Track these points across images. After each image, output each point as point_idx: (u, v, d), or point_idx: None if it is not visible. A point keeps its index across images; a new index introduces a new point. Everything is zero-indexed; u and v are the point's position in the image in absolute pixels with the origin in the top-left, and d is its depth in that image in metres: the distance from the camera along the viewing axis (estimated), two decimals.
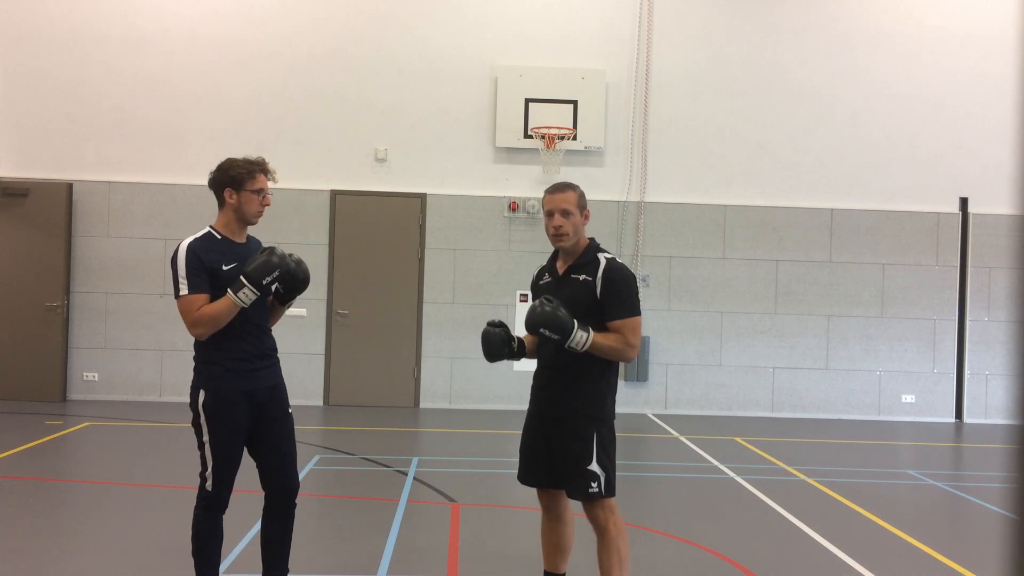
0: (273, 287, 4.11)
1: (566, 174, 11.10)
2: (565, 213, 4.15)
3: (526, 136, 11.02)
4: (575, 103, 11.07)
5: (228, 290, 3.96)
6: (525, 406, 4.48)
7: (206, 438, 4.06)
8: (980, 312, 11.45)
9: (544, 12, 11.30)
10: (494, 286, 11.15)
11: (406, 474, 7.38)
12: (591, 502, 4.10)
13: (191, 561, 4.76)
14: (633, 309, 4.18)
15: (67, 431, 9.18)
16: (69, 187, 10.84)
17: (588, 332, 4.04)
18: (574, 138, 10.95)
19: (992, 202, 11.36)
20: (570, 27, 11.30)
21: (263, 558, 4.32)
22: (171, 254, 4.11)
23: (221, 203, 4.16)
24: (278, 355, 4.34)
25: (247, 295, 3.95)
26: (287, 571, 4.34)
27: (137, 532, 5.77)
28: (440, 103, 11.19)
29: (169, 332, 10.95)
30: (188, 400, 4.16)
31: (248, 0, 11.12)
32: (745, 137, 11.41)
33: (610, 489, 4.13)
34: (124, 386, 10.94)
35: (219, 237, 4.12)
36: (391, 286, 11.16)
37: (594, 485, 4.07)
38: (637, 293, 4.27)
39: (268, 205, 4.21)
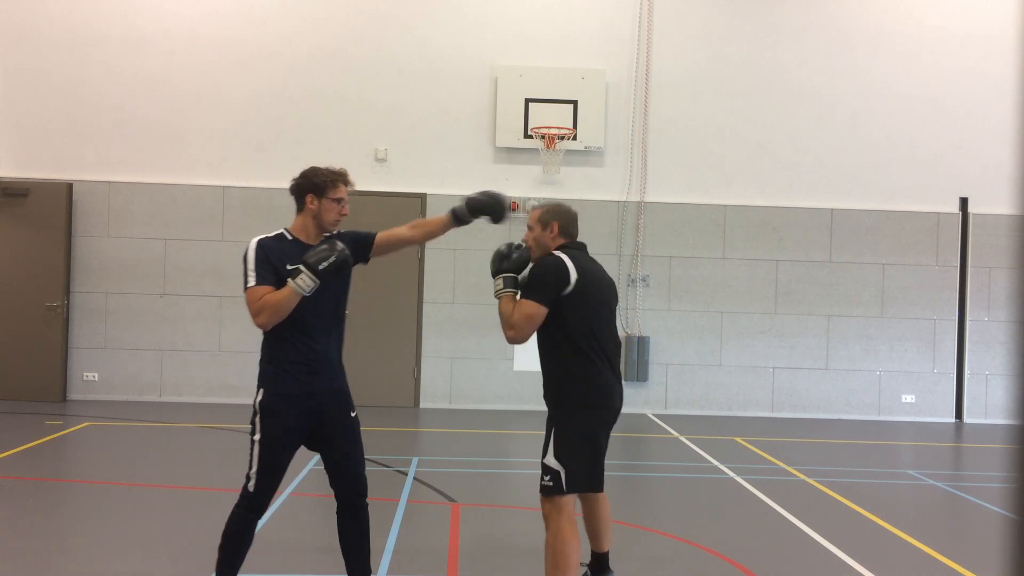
0: (328, 273, 4.15)
1: (566, 174, 11.12)
2: (528, 227, 4.56)
3: (526, 136, 11.02)
4: (575, 103, 11.07)
5: (288, 279, 4.05)
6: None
7: (257, 436, 4.11)
8: (980, 312, 11.45)
9: (544, 12, 11.30)
10: (493, 286, 11.14)
11: (406, 474, 7.38)
12: (543, 496, 4.25)
13: (191, 560, 4.77)
14: (530, 292, 4.29)
15: (67, 431, 9.17)
16: (69, 187, 10.84)
17: (506, 287, 4.36)
18: (574, 138, 10.95)
19: (992, 202, 11.36)
20: (570, 27, 11.30)
21: (345, 561, 4.37)
22: (241, 252, 4.18)
23: (300, 207, 4.26)
24: (342, 360, 4.34)
25: (305, 281, 4.01)
26: (370, 570, 4.38)
27: (137, 532, 5.77)
28: (440, 103, 11.19)
29: (169, 332, 10.95)
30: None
31: (248, 0, 11.12)
32: (745, 137, 11.41)
33: (571, 485, 4.20)
34: (124, 386, 10.94)
35: (290, 239, 4.21)
36: (391, 286, 11.16)
37: (546, 478, 4.21)
38: (546, 281, 4.28)
39: (345, 215, 4.30)
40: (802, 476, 7.97)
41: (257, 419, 4.12)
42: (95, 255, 10.94)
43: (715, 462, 8.46)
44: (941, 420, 11.40)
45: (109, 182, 10.98)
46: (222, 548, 4.17)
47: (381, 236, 4.42)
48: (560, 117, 10.97)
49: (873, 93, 11.46)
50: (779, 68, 11.43)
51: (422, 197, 11.14)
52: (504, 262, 4.43)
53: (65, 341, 10.83)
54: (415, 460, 8.05)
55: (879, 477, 8.19)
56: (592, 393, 4.28)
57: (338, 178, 4.26)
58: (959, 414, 11.47)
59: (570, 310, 4.26)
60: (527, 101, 11.04)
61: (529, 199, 11.15)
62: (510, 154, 11.20)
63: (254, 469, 4.11)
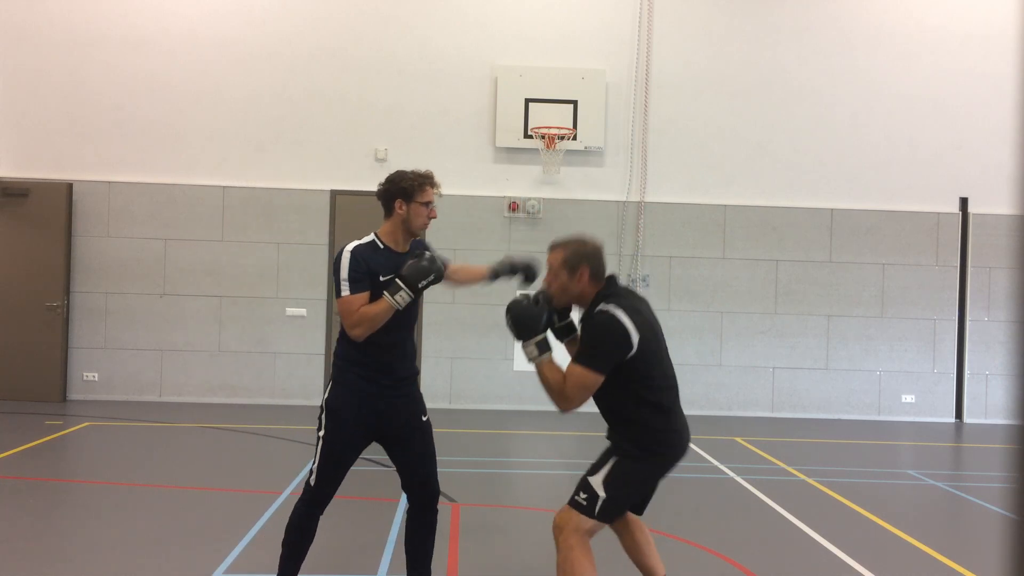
0: (425, 289, 4.21)
1: (566, 174, 11.12)
2: (552, 272, 4.06)
3: (526, 136, 11.02)
4: (575, 103, 11.07)
5: (384, 292, 4.07)
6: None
7: (321, 432, 4.17)
8: (980, 312, 11.45)
9: (544, 12, 11.30)
10: (494, 286, 11.12)
11: None
12: (569, 507, 3.92)
13: (189, 561, 4.76)
14: (585, 359, 3.84)
15: (67, 431, 9.17)
16: (69, 187, 10.84)
17: (542, 353, 3.92)
18: (574, 138, 10.95)
19: (992, 202, 11.36)
20: (570, 27, 11.30)
21: (407, 561, 4.40)
22: (335, 257, 4.21)
23: (389, 213, 4.25)
24: (415, 363, 4.40)
25: (403, 297, 4.07)
26: (429, 572, 4.41)
27: (137, 532, 5.77)
28: (440, 103, 11.19)
29: (169, 332, 10.95)
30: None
31: (248, 0, 11.12)
32: (745, 137, 11.40)
33: (602, 514, 3.87)
34: (124, 386, 10.94)
35: (381, 247, 4.22)
36: None
37: (582, 495, 3.89)
38: (605, 348, 3.84)
39: (434, 218, 4.32)
40: (802, 476, 7.97)
41: (323, 416, 4.18)
42: (95, 255, 10.94)
43: (715, 462, 8.46)
44: (941, 420, 11.40)
45: (109, 182, 10.98)
46: (285, 543, 4.22)
47: (451, 267, 4.48)
48: (560, 117, 10.97)
49: (873, 93, 11.45)
50: (779, 68, 11.43)
51: None
52: (529, 324, 3.94)
53: (65, 341, 10.83)
54: None
55: (879, 477, 8.19)
56: (665, 443, 4.05)
57: (425, 181, 4.24)
58: (959, 414, 11.47)
59: (637, 370, 3.88)
60: (527, 101, 11.04)
61: (529, 199, 11.15)
62: (510, 154, 11.20)
63: (316, 464, 4.15)
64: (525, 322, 3.96)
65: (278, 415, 10.27)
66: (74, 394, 10.90)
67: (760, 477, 7.84)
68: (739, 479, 7.75)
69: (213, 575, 4.97)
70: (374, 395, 4.16)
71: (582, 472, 4.07)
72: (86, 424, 9.54)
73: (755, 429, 10.41)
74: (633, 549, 4.30)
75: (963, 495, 7.60)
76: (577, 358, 3.89)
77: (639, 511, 4.29)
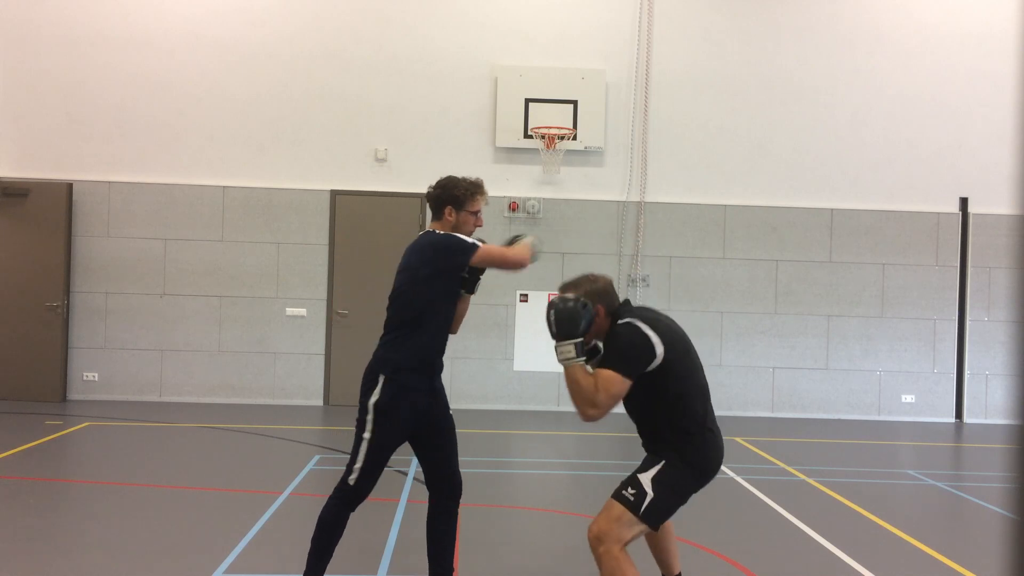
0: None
1: (566, 174, 11.12)
2: None
3: (526, 136, 11.02)
4: (575, 103, 11.07)
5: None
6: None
7: (367, 435, 4.16)
8: (980, 312, 11.45)
9: (544, 12, 11.30)
10: (494, 286, 11.13)
11: (406, 474, 7.37)
12: (617, 502, 3.87)
13: (189, 561, 4.77)
14: (613, 362, 3.82)
15: (67, 431, 9.17)
16: (69, 187, 10.84)
17: (575, 354, 3.82)
18: (574, 138, 10.95)
19: (992, 202, 11.36)
20: (570, 27, 11.30)
21: (429, 554, 4.41)
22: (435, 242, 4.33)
23: (438, 217, 4.41)
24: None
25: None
26: (452, 568, 4.41)
27: (137, 532, 5.77)
28: (440, 103, 11.19)
29: (169, 332, 10.95)
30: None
31: (248, 0, 11.12)
32: (745, 137, 11.41)
33: (647, 514, 3.86)
34: (124, 386, 10.94)
35: None
36: (389, 285, 11.12)
37: (631, 490, 3.87)
38: (630, 354, 3.84)
39: (480, 226, 4.44)
40: (802, 476, 7.97)
41: (369, 418, 4.17)
42: (95, 255, 10.94)
43: None
44: (941, 420, 11.40)
45: (109, 182, 10.98)
46: (315, 539, 4.22)
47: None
48: (560, 117, 10.97)
49: (873, 93, 11.46)
50: (779, 68, 11.43)
51: (422, 197, 11.14)
52: (571, 324, 3.84)
53: (65, 341, 10.83)
54: (415, 460, 8.04)
55: (879, 477, 8.19)
56: (705, 459, 4.07)
57: (476, 190, 4.38)
58: (959, 414, 11.47)
59: (668, 387, 3.94)
60: (527, 101, 11.04)
61: (529, 199, 11.15)
62: (510, 154, 11.20)
63: (359, 465, 4.16)
64: (568, 321, 3.85)
65: (278, 415, 10.28)
66: (74, 394, 10.90)
67: (760, 477, 7.84)
68: (739, 479, 7.75)
69: (213, 575, 4.97)
70: (420, 393, 4.22)
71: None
72: (86, 424, 9.54)
73: (755, 429, 10.41)
74: (656, 545, 4.49)
75: (963, 495, 7.60)
76: (605, 360, 3.88)
77: None
